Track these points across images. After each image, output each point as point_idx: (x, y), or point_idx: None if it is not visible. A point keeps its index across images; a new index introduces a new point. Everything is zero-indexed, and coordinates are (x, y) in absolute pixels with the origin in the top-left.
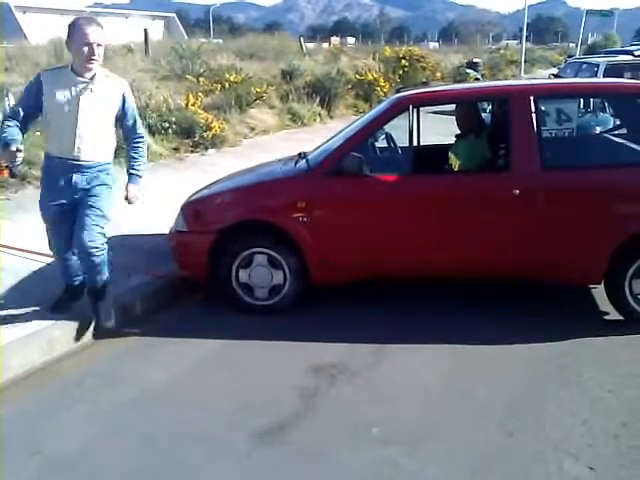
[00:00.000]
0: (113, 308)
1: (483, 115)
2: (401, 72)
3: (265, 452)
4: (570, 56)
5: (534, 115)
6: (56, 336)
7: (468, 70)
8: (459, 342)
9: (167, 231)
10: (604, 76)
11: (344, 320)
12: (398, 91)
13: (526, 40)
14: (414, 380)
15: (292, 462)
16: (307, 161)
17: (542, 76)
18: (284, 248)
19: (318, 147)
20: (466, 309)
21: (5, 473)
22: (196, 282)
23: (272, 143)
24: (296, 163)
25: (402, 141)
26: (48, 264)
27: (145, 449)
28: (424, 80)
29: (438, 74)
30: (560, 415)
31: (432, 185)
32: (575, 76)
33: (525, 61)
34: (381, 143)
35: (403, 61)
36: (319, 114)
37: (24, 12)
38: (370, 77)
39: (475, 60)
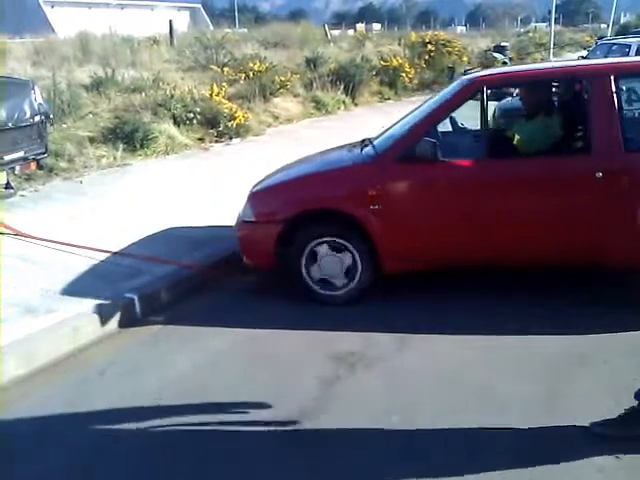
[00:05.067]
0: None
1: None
2: (427, 57)
3: (285, 440)
4: (600, 38)
5: (615, 95)
6: (82, 325)
7: (495, 54)
8: (479, 332)
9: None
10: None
11: (364, 309)
12: (465, 73)
13: (555, 22)
14: (434, 369)
15: (312, 450)
16: (374, 147)
17: (571, 59)
18: (354, 237)
19: (382, 132)
20: (485, 300)
21: (31, 459)
22: (222, 272)
23: (296, 132)
24: (362, 149)
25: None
26: (72, 253)
27: (167, 437)
28: (450, 65)
29: (465, 59)
30: (585, 403)
31: (510, 169)
32: (605, 58)
33: (554, 44)
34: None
35: (429, 46)
36: (343, 102)
37: (52, 6)
38: (395, 63)
39: (503, 44)
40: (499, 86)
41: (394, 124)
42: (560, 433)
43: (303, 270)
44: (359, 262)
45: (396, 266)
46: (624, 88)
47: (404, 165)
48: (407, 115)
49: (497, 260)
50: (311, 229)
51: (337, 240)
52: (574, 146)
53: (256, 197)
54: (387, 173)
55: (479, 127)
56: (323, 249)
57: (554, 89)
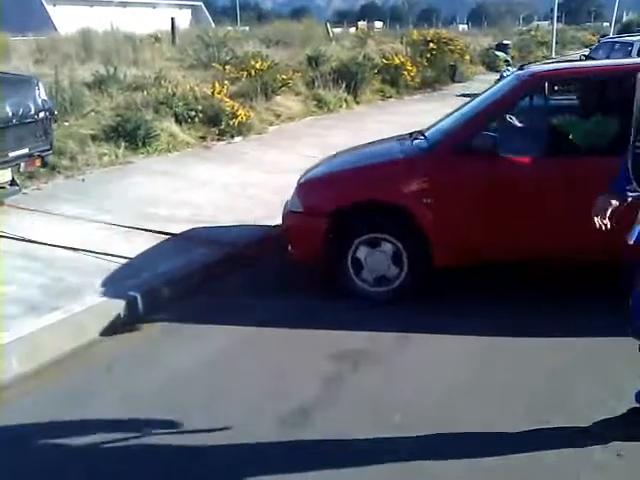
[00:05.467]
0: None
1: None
2: (429, 55)
3: (289, 437)
4: (603, 36)
5: None
6: (86, 322)
7: (497, 52)
8: (482, 333)
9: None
10: (638, 56)
11: (367, 307)
12: (521, 68)
13: (558, 20)
14: (438, 368)
15: (315, 447)
16: (427, 139)
17: (573, 58)
18: (405, 230)
19: (433, 125)
20: (490, 299)
21: (37, 456)
22: (226, 268)
23: (298, 130)
24: (413, 141)
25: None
26: (75, 250)
27: (172, 434)
28: (452, 63)
29: (467, 57)
30: (588, 402)
31: (569, 168)
32: (607, 57)
33: (556, 42)
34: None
35: (431, 44)
36: (345, 100)
37: (54, 5)
38: (397, 61)
39: (505, 42)
40: (559, 81)
41: (445, 116)
42: (560, 433)
43: (349, 265)
44: (408, 257)
45: (448, 260)
46: None
47: (460, 158)
48: (459, 108)
49: (549, 257)
50: (360, 222)
51: (387, 236)
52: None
53: (305, 187)
54: (442, 166)
55: (534, 122)
56: (371, 244)
57: (613, 86)
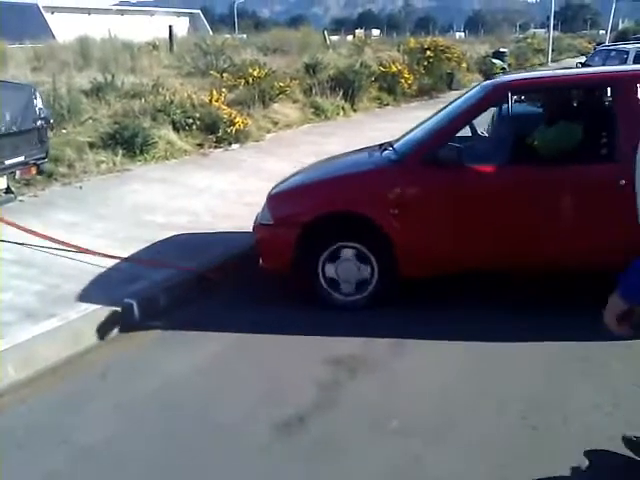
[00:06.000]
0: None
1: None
2: (426, 63)
3: (285, 443)
4: (599, 44)
5: None
6: (82, 329)
7: (494, 60)
8: (477, 338)
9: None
10: (634, 63)
11: (362, 313)
12: (488, 78)
13: (554, 28)
14: (433, 374)
15: (311, 453)
16: (395, 151)
17: (569, 65)
18: (373, 241)
19: (402, 136)
20: (484, 306)
21: (33, 462)
22: (217, 276)
23: (295, 137)
24: (382, 152)
25: None
26: (70, 258)
27: (167, 440)
28: (449, 71)
29: (464, 65)
30: (583, 408)
31: (534, 176)
32: (603, 64)
33: (553, 50)
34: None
35: (428, 52)
36: (342, 107)
37: (52, 12)
38: (394, 69)
39: (501, 50)
40: (525, 92)
41: (414, 128)
42: (558, 435)
43: (320, 275)
44: (378, 267)
45: (415, 271)
46: None
47: (427, 170)
48: (427, 120)
49: (518, 266)
50: (330, 233)
51: (356, 244)
52: (598, 153)
53: (275, 200)
54: (409, 177)
55: (499, 132)
56: (341, 253)
57: (579, 95)
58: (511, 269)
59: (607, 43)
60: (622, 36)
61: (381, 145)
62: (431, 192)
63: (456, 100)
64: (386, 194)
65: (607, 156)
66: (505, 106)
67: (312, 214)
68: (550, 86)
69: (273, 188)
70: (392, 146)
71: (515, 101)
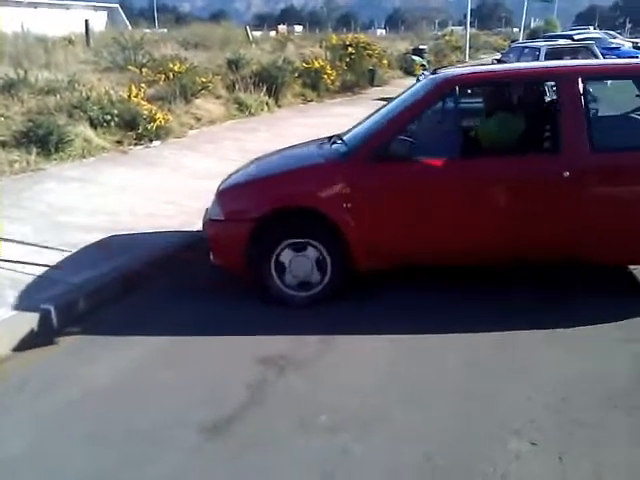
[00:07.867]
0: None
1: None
2: (348, 59)
3: (213, 445)
4: (514, 41)
5: (583, 97)
6: None
7: (414, 57)
8: (406, 332)
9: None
10: (545, 59)
11: (290, 310)
12: (434, 72)
13: (471, 26)
14: (363, 369)
15: (240, 454)
16: (345, 144)
17: (486, 62)
18: (327, 236)
19: (352, 129)
20: (414, 300)
21: None
22: (140, 277)
23: (219, 133)
24: (332, 145)
25: None
26: None
27: (91, 448)
28: (370, 67)
29: (385, 61)
30: (505, 394)
31: (482, 168)
32: (517, 60)
33: (470, 47)
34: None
35: (350, 49)
36: (266, 103)
37: None
38: (317, 65)
39: (421, 47)
40: (472, 86)
41: (363, 120)
42: (481, 422)
43: (272, 271)
44: (331, 261)
45: (368, 265)
46: (591, 90)
47: (378, 163)
48: (377, 111)
49: (467, 259)
50: (282, 228)
51: (309, 240)
52: (542, 146)
53: (225, 195)
54: (359, 171)
55: (448, 126)
56: (294, 249)
57: (528, 88)
58: (461, 262)
59: (521, 40)
60: (534, 34)
61: (330, 138)
62: (383, 185)
63: (403, 93)
64: (338, 188)
65: (551, 149)
66: (455, 99)
67: (264, 209)
68: (498, 80)
69: (222, 182)
70: (341, 139)
71: (465, 94)
